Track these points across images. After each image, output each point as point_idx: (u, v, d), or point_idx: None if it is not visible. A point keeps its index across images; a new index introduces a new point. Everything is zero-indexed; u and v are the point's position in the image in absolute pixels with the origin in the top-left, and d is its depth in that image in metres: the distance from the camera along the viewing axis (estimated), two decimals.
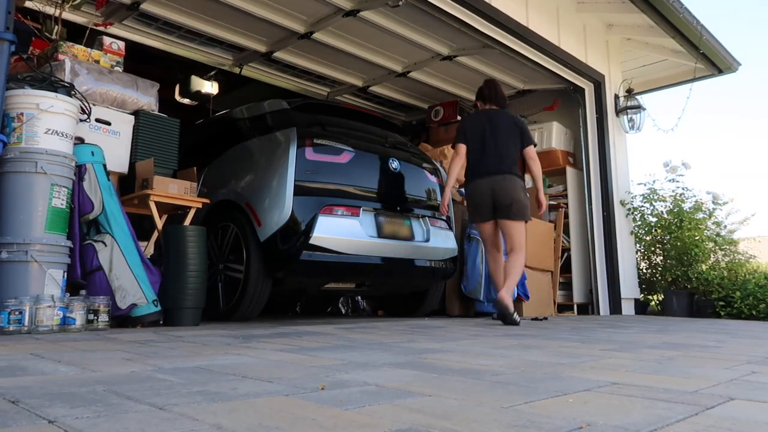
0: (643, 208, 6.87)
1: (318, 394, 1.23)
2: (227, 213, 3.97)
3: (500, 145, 4.07)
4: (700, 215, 6.67)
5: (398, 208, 4.24)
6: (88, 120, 3.25)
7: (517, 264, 3.96)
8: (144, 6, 5.02)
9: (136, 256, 3.09)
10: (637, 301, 6.75)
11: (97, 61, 3.57)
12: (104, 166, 3.16)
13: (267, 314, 4.24)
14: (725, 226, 7.01)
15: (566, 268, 6.26)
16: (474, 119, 4.29)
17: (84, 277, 2.97)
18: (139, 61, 4.98)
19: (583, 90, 6.66)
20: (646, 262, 7.30)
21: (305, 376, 1.46)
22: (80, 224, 3.02)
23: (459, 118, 6.67)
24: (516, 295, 5.04)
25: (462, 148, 4.12)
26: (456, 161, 4.12)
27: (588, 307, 6.33)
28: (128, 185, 3.59)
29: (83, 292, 2.89)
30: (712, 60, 6.78)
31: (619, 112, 6.90)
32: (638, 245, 7.04)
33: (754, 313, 5.91)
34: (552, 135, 6.65)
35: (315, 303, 6.31)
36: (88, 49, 3.57)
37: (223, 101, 6.85)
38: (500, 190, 3.98)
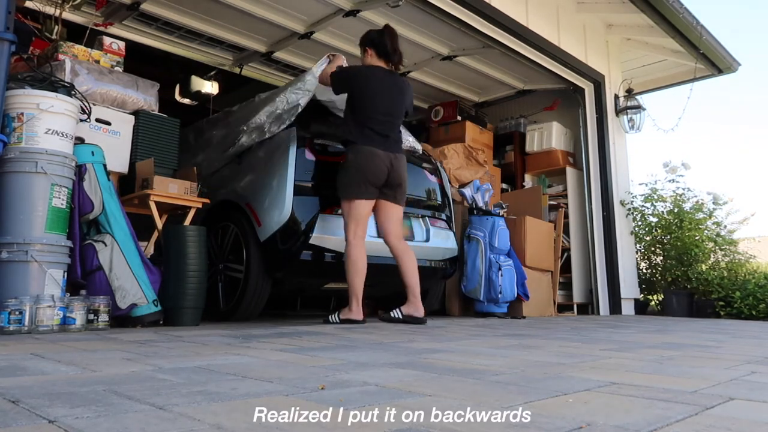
0: (643, 208, 6.87)
1: (318, 394, 1.23)
2: (227, 213, 3.97)
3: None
4: (701, 215, 6.67)
5: None
6: (88, 120, 3.25)
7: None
8: (144, 6, 5.02)
9: (136, 256, 3.09)
10: (637, 301, 6.75)
11: (98, 61, 3.57)
12: (104, 165, 3.16)
13: (267, 314, 4.24)
14: (725, 226, 7.02)
15: (566, 268, 6.26)
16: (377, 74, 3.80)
17: (84, 276, 2.97)
18: (139, 61, 4.97)
19: (583, 90, 6.66)
20: (646, 262, 7.30)
21: (305, 376, 1.46)
22: (80, 224, 3.02)
23: (459, 118, 6.67)
24: (516, 295, 5.04)
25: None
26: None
27: (588, 307, 6.33)
28: (128, 185, 3.59)
29: (83, 292, 2.89)
30: (712, 60, 6.78)
31: (619, 112, 6.90)
32: (638, 245, 7.04)
33: (753, 313, 5.91)
34: (552, 135, 6.65)
35: (316, 298, 6.30)
36: (89, 49, 3.57)
37: (223, 101, 6.85)
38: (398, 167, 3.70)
